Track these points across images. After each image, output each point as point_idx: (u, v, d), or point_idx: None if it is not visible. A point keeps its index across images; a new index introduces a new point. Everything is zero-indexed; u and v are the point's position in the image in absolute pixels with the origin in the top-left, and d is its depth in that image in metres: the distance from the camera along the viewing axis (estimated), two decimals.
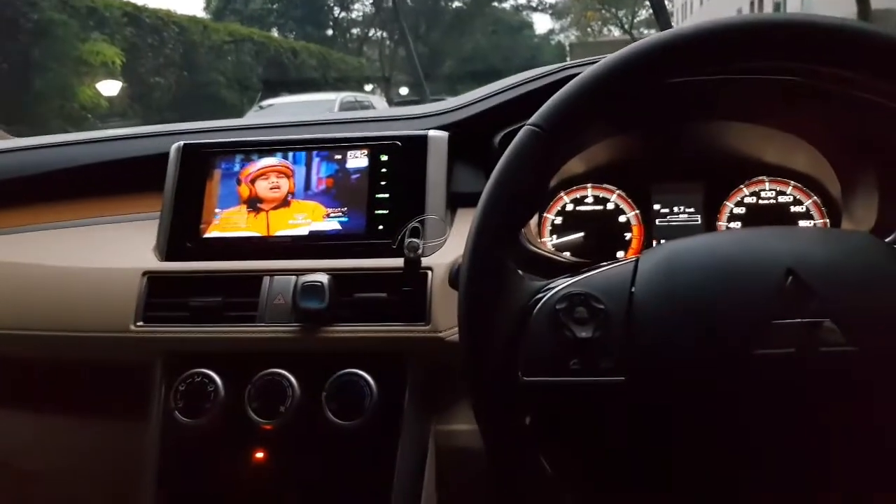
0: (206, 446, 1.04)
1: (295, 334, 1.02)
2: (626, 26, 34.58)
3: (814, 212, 1.19)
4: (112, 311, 1.08)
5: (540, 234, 1.23)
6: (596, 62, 0.74)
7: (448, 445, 1.05)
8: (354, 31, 37.47)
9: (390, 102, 19.56)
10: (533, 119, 0.74)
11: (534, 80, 1.19)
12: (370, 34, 36.87)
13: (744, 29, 0.71)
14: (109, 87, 14.19)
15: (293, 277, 1.04)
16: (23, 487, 1.29)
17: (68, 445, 1.24)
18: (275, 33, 29.48)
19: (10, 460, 1.28)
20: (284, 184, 1.15)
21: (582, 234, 1.23)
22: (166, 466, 1.04)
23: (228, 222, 1.13)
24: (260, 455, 1.02)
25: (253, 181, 1.15)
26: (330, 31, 35.74)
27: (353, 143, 1.15)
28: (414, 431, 1.02)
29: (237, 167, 1.17)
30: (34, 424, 1.24)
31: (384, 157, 1.14)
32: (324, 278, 1.02)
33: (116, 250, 1.17)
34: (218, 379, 1.01)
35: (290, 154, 1.16)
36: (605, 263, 0.78)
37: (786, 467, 0.67)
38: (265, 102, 14.24)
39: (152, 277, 1.09)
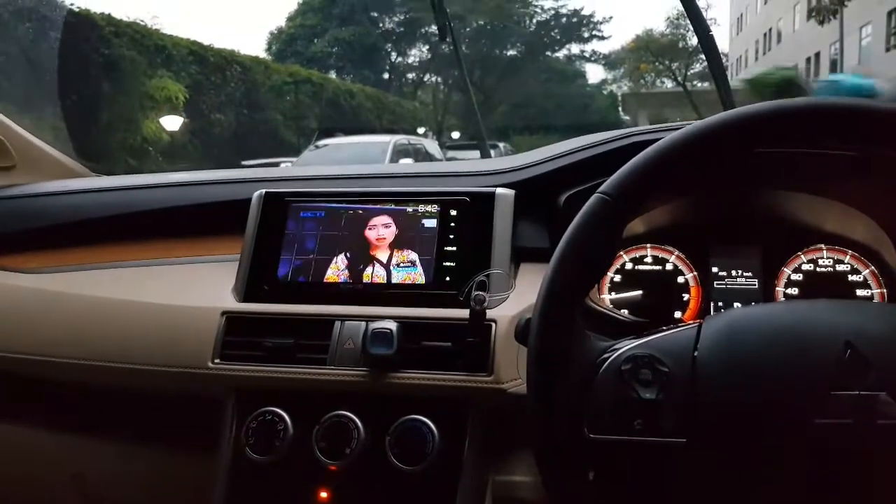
0: (272, 483, 1.07)
1: (362, 378, 1.07)
2: (680, 78, 34.45)
3: (871, 281, 1.20)
4: (191, 347, 1.14)
5: (599, 291, 1.26)
6: (665, 132, 0.78)
7: (505, 496, 1.08)
8: (410, 75, 38.18)
9: (442, 146, 19.74)
10: (604, 188, 0.78)
11: (600, 144, 1.23)
12: (425, 79, 37.49)
13: (806, 113, 0.74)
14: (172, 122, 14.55)
15: (363, 323, 1.09)
16: None
17: (137, 473, 1.29)
18: (333, 75, 30.09)
19: (79, 484, 1.33)
20: (359, 233, 1.20)
21: (640, 291, 1.26)
22: (233, 501, 1.08)
23: (304, 268, 1.19)
24: (324, 495, 1.06)
25: (328, 230, 1.21)
26: (386, 75, 36.44)
27: (425, 198, 1.21)
28: (472, 480, 1.04)
29: (314, 215, 1.22)
30: (104, 451, 1.29)
31: (453, 212, 1.19)
32: (392, 325, 1.06)
33: (197, 290, 1.23)
34: (288, 418, 1.06)
35: (365, 205, 1.22)
36: (667, 327, 0.81)
37: None
38: (321, 142, 14.47)
39: (230, 317, 1.15)
